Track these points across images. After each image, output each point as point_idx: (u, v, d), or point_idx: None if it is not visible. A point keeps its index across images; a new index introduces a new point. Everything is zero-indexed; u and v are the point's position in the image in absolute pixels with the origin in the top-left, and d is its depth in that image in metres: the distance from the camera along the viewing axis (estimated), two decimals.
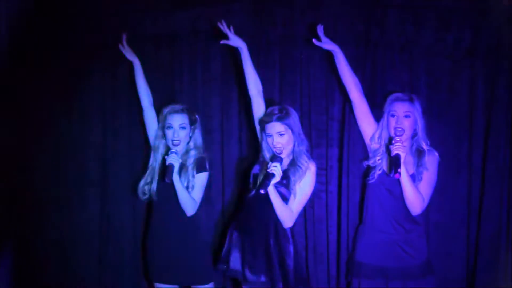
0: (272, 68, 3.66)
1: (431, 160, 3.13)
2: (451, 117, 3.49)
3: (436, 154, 3.16)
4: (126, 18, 3.70)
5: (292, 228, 3.16)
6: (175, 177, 3.13)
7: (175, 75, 3.74)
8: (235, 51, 3.50)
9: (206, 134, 3.53)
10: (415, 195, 3.05)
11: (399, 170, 2.95)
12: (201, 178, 3.24)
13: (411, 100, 3.14)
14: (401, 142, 3.02)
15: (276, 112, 3.10)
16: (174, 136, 3.25)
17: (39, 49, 3.77)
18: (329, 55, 3.55)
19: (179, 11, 3.67)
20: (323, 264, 3.61)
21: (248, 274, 3.17)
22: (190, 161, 3.25)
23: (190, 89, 3.73)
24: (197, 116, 3.34)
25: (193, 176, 3.22)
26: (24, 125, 3.79)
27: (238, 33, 3.59)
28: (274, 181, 2.95)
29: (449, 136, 3.48)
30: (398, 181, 3.06)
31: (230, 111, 3.71)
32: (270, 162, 2.99)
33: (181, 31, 3.70)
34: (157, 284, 3.35)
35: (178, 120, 3.26)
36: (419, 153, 3.14)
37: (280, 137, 3.09)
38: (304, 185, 3.09)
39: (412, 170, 3.11)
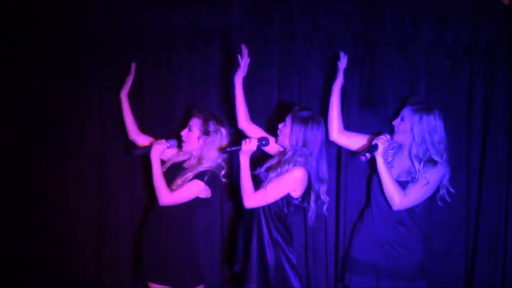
0: (270, 66, 3.66)
1: (433, 171, 3.07)
2: (450, 116, 3.48)
3: (441, 169, 3.08)
4: (124, 16, 3.69)
5: (284, 237, 3.14)
6: (155, 159, 3.20)
7: (173, 73, 3.73)
8: (234, 49, 3.54)
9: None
10: (393, 188, 3.04)
11: (367, 154, 2.98)
12: (191, 185, 3.21)
13: (413, 108, 3.12)
14: (387, 137, 3.06)
15: (302, 111, 3.09)
16: (182, 133, 3.32)
17: (37, 48, 3.76)
18: (328, 54, 3.58)
19: (178, 8, 3.66)
20: (322, 262, 3.61)
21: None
22: (196, 170, 3.24)
23: (188, 88, 3.72)
24: (221, 130, 3.31)
25: (186, 181, 3.20)
26: (22, 124, 3.78)
27: (236, 31, 3.60)
28: (241, 152, 3.05)
29: (448, 135, 3.45)
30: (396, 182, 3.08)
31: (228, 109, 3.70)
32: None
33: (179, 29, 3.69)
34: (150, 284, 3.34)
35: (191, 121, 3.32)
36: (422, 165, 3.10)
37: (282, 125, 3.13)
38: (277, 182, 3.04)
39: (404, 177, 3.12)
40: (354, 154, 3.40)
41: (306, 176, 3.06)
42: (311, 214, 3.15)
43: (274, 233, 3.10)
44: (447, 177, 3.12)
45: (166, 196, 3.18)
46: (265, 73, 3.66)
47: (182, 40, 3.70)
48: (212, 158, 3.27)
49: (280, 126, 3.16)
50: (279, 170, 3.08)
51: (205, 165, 3.24)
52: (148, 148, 3.26)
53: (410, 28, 3.53)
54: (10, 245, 3.80)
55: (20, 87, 3.78)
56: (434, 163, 3.08)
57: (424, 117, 3.08)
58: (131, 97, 3.58)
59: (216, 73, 3.71)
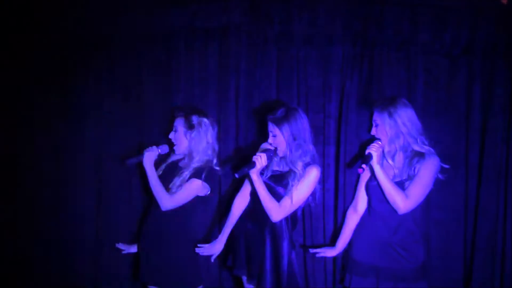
0: (269, 66, 3.66)
1: (425, 165, 3.05)
2: (449, 115, 3.49)
3: (434, 159, 3.06)
4: (122, 15, 3.70)
5: (291, 236, 3.16)
6: (149, 167, 3.19)
7: (171, 72, 3.73)
8: (231, 50, 3.58)
9: None
10: (395, 194, 3.01)
11: (363, 166, 2.97)
12: (190, 185, 3.21)
13: (379, 109, 3.09)
14: (379, 144, 3.05)
15: (276, 113, 3.09)
16: (170, 136, 3.32)
17: (35, 48, 3.77)
18: (327, 54, 3.58)
19: (176, 8, 3.67)
20: (320, 261, 3.59)
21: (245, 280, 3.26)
22: (190, 167, 3.24)
23: (186, 87, 3.73)
24: (204, 120, 3.30)
25: (183, 181, 3.21)
26: (21, 124, 3.79)
27: (235, 31, 3.60)
28: (254, 170, 3.00)
29: (447, 134, 3.48)
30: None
31: (226, 109, 3.70)
32: (260, 151, 3.05)
33: (177, 29, 3.69)
34: (149, 286, 3.33)
35: (174, 122, 3.33)
36: (410, 161, 3.09)
37: (272, 138, 3.11)
38: (300, 188, 3.07)
39: (399, 178, 3.09)
40: (350, 165, 3.41)
41: (320, 171, 3.11)
42: (313, 196, 3.19)
43: (287, 236, 3.12)
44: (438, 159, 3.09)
45: (167, 201, 3.18)
46: (264, 73, 3.66)
47: (181, 40, 3.71)
48: (202, 151, 3.27)
49: (271, 140, 3.12)
50: (294, 175, 3.07)
51: (198, 159, 3.25)
52: (140, 157, 3.25)
53: (409, 27, 3.53)
54: (9, 245, 3.81)
55: (20, 87, 3.79)
56: (421, 155, 3.06)
57: (392, 111, 3.06)
58: (129, 98, 3.59)
59: (215, 73, 3.71)
